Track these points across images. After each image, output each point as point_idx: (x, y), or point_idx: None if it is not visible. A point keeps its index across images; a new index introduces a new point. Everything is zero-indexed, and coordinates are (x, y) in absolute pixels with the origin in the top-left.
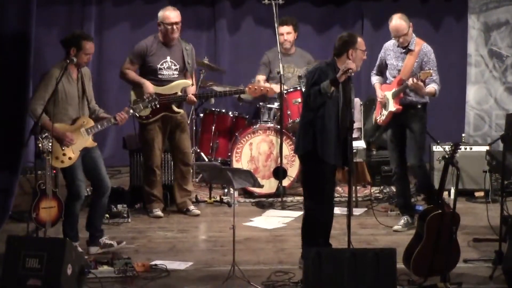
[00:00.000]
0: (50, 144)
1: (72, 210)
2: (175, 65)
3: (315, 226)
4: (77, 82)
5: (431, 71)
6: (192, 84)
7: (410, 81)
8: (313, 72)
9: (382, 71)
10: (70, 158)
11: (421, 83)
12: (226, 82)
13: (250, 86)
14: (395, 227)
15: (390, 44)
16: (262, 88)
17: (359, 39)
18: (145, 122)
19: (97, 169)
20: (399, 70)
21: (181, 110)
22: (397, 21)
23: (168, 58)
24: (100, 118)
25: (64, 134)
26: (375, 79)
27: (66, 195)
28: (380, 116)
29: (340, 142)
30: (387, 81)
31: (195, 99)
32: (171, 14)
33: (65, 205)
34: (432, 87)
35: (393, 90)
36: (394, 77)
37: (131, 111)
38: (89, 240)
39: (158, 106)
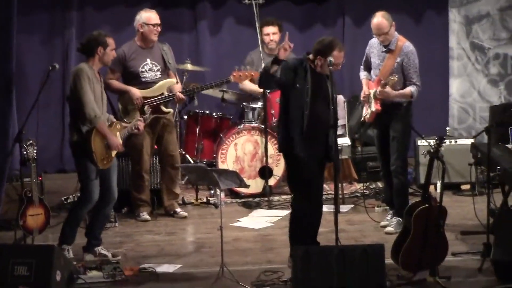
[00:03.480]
0: (35, 151)
1: (79, 213)
2: (156, 66)
3: (301, 224)
4: (100, 83)
5: (396, 77)
6: (177, 82)
7: (377, 92)
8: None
9: (368, 66)
10: (110, 161)
11: (389, 90)
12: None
13: (234, 74)
14: (388, 229)
15: (375, 41)
16: (247, 74)
17: (336, 52)
18: None
19: (110, 177)
20: (380, 70)
21: (170, 110)
22: (379, 19)
23: (148, 60)
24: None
25: (118, 141)
26: (362, 75)
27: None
28: (366, 114)
29: (307, 134)
30: (371, 80)
31: (183, 96)
32: (154, 16)
33: (73, 207)
34: (408, 89)
35: (374, 89)
36: (376, 75)
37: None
38: (86, 247)
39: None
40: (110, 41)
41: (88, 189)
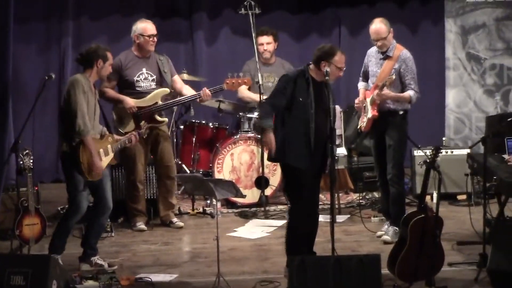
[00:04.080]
0: (31, 161)
1: (68, 224)
2: (151, 76)
3: (297, 234)
4: (94, 95)
5: (393, 76)
6: (174, 91)
7: (375, 95)
8: (280, 79)
9: (367, 76)
10: (99, 174)
11: (386, 91)
12: None
13: (227, 81)
14: (384, 237)
15: (373, 50)
16: (239, 81)
17: (338, 56)
18: None
19: (102, 187)
20: (377, 77)
21: (165, 119)
22: (378, 25)
23: (144, 70)
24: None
25: (100, 165)
26: (360, 85)
27: (67, 207)
28: (362, 122)
29: (310, 146)
30: (369, 88)
31: (209, 92)
32: (150, 26)
33: (62, 219)
34: (407, 93)
35: (371, 96)
36: (374, 83)
37: (138, 136)
38: (82, 257)
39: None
40: (110, 55)
41: (76, 200)
